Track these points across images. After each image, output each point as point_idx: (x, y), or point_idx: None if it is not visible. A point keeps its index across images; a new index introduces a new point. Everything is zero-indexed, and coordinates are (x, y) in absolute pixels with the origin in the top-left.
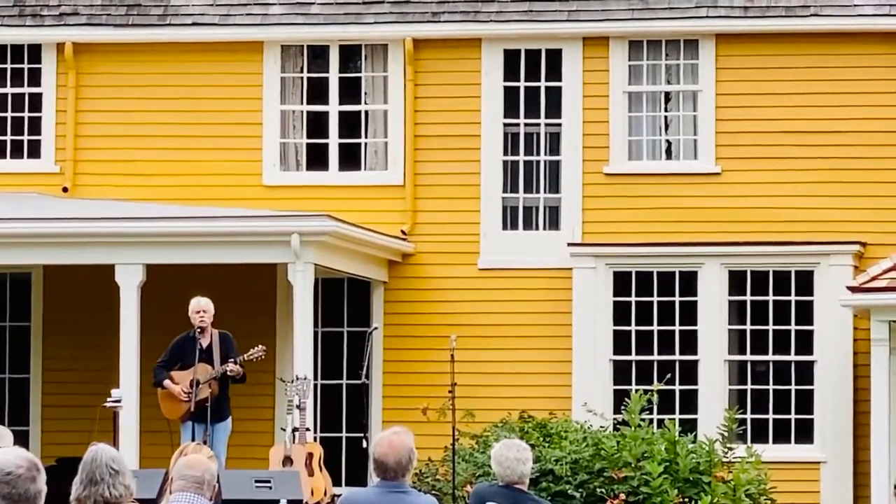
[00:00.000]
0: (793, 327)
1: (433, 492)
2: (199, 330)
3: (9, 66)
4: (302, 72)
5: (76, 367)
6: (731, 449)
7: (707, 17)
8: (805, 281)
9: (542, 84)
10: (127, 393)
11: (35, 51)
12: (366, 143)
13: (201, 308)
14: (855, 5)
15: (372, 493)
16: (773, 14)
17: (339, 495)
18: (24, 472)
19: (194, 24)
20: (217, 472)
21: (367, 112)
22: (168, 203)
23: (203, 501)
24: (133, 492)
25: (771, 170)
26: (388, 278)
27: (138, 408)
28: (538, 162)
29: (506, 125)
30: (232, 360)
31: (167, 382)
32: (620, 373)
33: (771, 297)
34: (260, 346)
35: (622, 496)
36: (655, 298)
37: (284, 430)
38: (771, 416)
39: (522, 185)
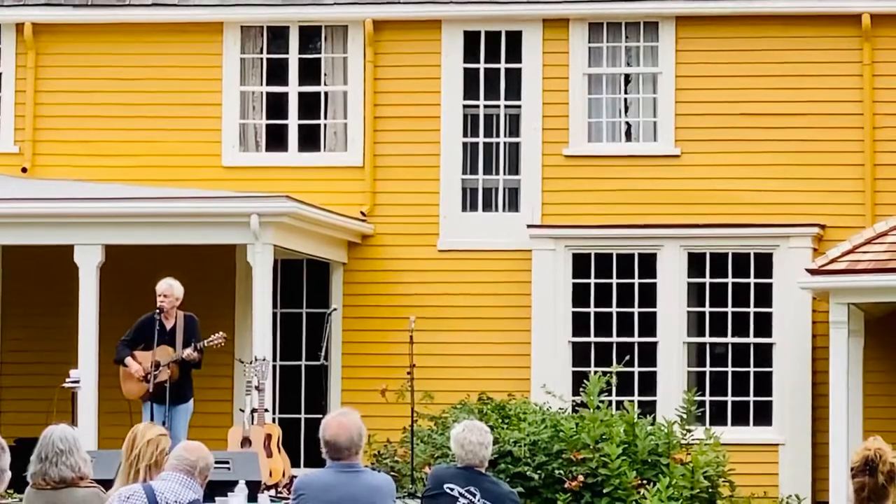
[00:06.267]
0: (752, 309)
1: (392, 473)
2: (159, 311)
3: None
4: (261, 53)
5: (35, 348)
6: (689, 431)
7: None
8: (764, 263)
9: (502, 66)
10: (85, 373)
11: None
12: (325, 125)
13: (163, 291)
14: None
15: (328, 474)
16: None
17: (297, 476)
18: None
19: (154, 4)
20: (211, 463)
21: (326, 93)
22: (127, 184)
23: (192, 484)
24: (87, 472)
25: (730, 152)
26: (348, 259)
27: (97, 388)
28: (498, 144)
29: (465, 107)
30: (192, 345)
31: (128, 360)
32: (579, 354)
33: (730, 280)
34: (220, 333)
35: (581, 478)
36: (615, 280)
37: (243, 411)
38: (730, 399)
39: (482, 167)
